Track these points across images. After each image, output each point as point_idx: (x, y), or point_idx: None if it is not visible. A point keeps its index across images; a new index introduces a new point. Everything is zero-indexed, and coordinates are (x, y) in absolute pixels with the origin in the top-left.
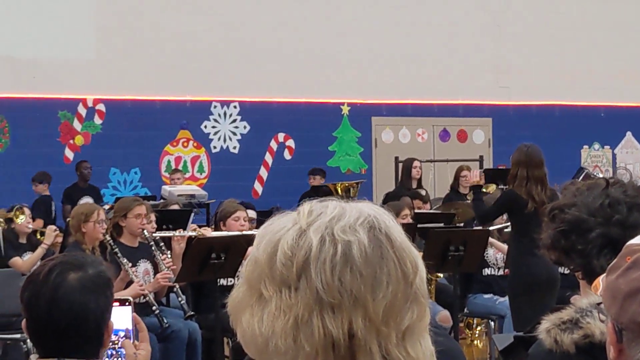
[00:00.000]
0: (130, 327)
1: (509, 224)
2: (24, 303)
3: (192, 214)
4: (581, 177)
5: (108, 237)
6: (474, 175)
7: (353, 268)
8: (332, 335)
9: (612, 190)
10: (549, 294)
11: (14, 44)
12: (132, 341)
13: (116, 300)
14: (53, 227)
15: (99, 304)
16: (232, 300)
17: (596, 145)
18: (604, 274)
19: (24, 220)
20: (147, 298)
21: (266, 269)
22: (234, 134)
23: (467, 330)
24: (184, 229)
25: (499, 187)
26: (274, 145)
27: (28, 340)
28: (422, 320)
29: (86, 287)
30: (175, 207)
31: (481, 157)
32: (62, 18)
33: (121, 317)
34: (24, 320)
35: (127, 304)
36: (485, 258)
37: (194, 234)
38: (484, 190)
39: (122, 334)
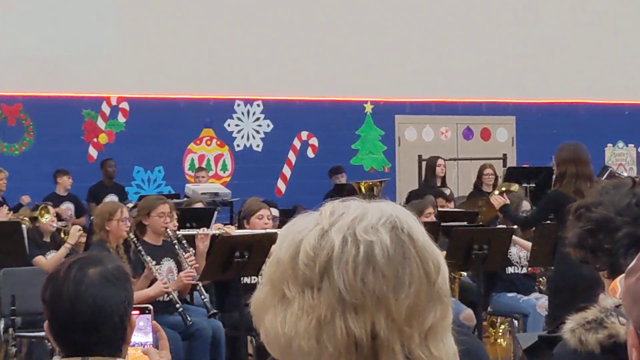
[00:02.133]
0: (150, 335)
1: None
2: (46, 302)
3: (216, 213)
4: (605, 176)
5: (132, 236)
6: (497, 201)
7: (375, 268)
8: (354, 336)
9: (639, 190)
10: (591, 294)
11: (39, 43)
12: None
13: (136, 308)
14: (77, 226)
15: (121, 296)
16: (255, 301)
17: (620, 144)
18: (622, 276)
19: (48, 220)
20: (171, 296)
21: (289, 269)
22: (258, 132)
23: (491, 329)
24: (208, 227)
25: (523, 185)
26: (297, 143)
27: None
28: (445, 319)
29: (107, 280)
30: (199, 205)
31: (504, 155)
32: (86, 17)
33: (141, 325)
34: (46, 321)
35: (147, 311)
36: (509, 256)
37: (217, 232)
38: (509, 189)
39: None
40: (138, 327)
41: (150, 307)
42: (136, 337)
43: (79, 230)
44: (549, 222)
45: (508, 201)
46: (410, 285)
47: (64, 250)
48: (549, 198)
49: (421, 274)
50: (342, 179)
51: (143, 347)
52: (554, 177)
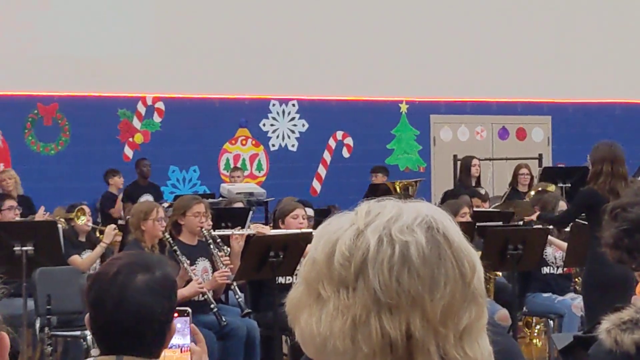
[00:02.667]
0: (188, 337)
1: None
2: (90, 302)
3: (251, 212)
4: None
5: (167, 235)
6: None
7: (411, 269)
8: (389, 336)
9: None
10: (623, 293)
11: (74, 43)
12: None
13: (175, 310)
14: (113, 225)
15: (164, 306)
16: (290, 300)
17: None
18: None
19: (84, 221)
20: (206, 296)
21: (324, 269)
22: (293, 132)
23: (526, 329)
24: (243, 227)
25: (558, 185)
26: (332, 143)
27: (88, 337)
28: (480, 320)
29: (153, 290)
30: (239, 205)
31: (540, 155)
32: (121, 17)
33: (179, 327)
34: (87, 315)
35: (185, 314)
36: (544, 256)
37: (252, 232)
38: (545, 189)
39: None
40: (176, 329)
41: (189, 310)
42: (174, 339)
43: (114, 229)
44: (585, 222)
45: (534, 216)
46: (446, 285)
47: (99, 249)
48: (583, 195)
49: (456, 274)
50: (375, 179)
51: (180, 349)
52: (588, 175)
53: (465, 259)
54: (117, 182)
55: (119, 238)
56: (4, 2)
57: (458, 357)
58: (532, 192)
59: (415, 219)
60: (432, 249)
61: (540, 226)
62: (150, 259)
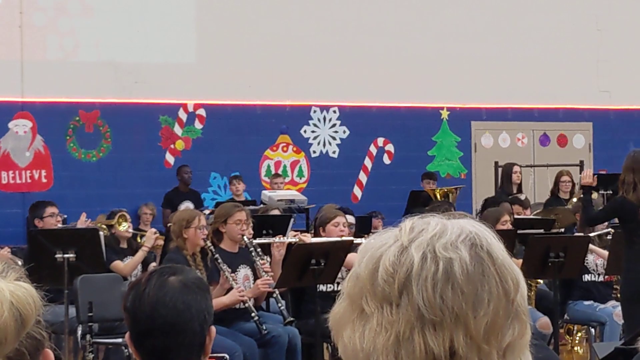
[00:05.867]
0: None
1: (609, 230)
2: (128, 308)
3: (292, 220)
4: None
5: (209, 243)
6: (588, 176)
7: (454, 285)
8: (433, 353)
9: None
10: None
11: (116, 50)
12: None
13: (212, 357)
14: (153, 229)
15: (201, 304)
16: (334, 315)
17: None
18: None
19: (125, 228)
20: (247, 304)
21: (368, 285)
22: (334, 138)
23: (568, 337)
24: (284, 235)
25: (600, 192)
26: (373, 149)
27: None
28: (523, 337)
29: (188, 287)
30: (276, 212)
31: (581, 162)
32: (163, 24)
33: None
34: (127, 332)
35: None
36: (586, 264)
37: (294, 240)
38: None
39: None
40: None
41: (226, 356)
42: None
43: (155, 232)
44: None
45: (595, 183)
46: (489, 302)
47: (141, 254)
48: (615, 203)
49: (500, 291)
50: (429, 186)
51: None
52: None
53: (509, 276)
54: (239, 188)
55: (161, 242)
56: (46, 10)
57: None
58: (574, 200)
59: (459, 236)
60: (476, 266)
61: (581, 234)
62: (181, 266)
